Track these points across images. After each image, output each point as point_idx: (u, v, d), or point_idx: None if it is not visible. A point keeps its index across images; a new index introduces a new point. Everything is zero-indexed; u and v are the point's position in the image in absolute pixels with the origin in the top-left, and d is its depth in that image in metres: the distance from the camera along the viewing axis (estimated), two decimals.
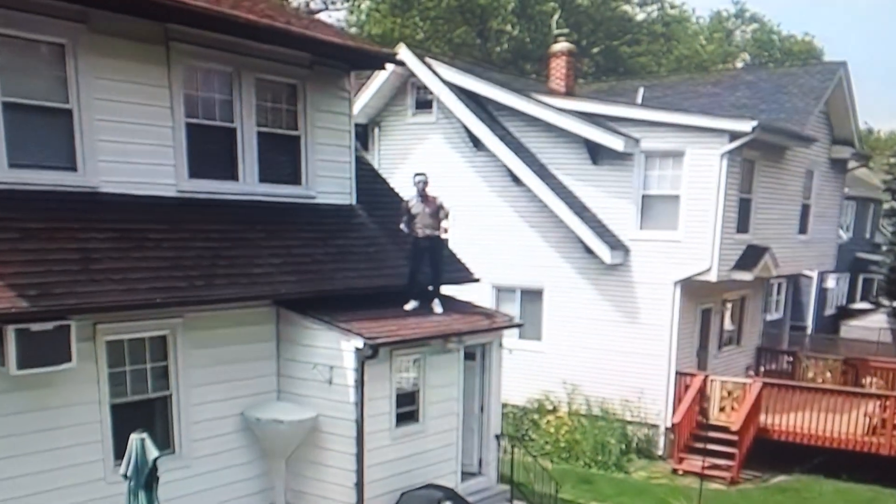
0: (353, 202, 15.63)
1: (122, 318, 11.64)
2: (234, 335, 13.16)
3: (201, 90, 13.32)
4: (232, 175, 13.76)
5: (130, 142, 12.37)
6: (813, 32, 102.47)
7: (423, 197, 14.70)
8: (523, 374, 22.86)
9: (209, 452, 13.00)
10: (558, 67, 25.45)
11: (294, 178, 14.69)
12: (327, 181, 15.08)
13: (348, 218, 15.38)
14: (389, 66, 22.77)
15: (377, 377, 13.47)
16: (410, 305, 14.75)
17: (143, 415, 12.27)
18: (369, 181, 16.69)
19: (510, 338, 16.47)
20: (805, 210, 25.92)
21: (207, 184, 13.39)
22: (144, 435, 10.21)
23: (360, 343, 12.99)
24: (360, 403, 13.26)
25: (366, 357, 13.06)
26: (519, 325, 16.07)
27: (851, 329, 34.02)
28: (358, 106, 23.97)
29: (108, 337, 11.71)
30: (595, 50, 51.43)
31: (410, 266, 14.88)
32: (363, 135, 24.96)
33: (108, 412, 11.80)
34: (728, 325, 24.90)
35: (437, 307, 14.97)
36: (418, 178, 14.73)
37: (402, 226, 14.84)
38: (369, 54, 15.45)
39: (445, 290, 15.70)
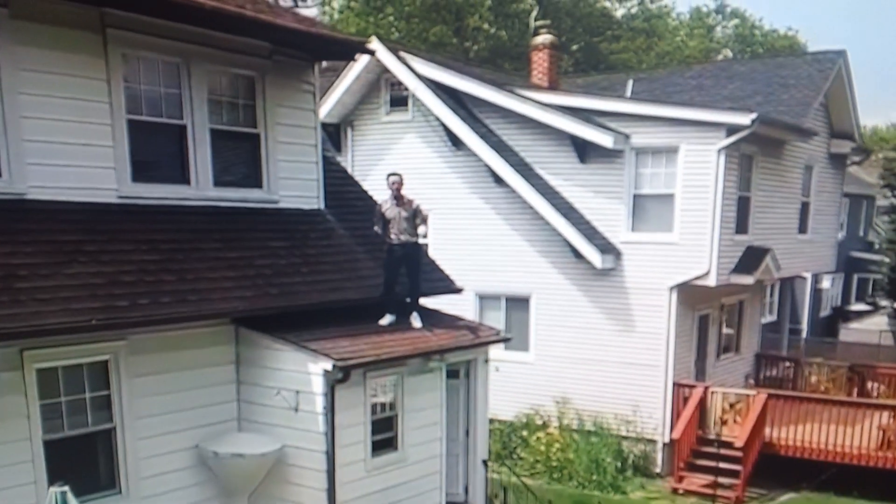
0: (322, 206, 14.16)
1: (54, 343, 10.09)
2: (186, 358, 11.64)
3: (145, 83, 11.82)
4: (182, 178, 12.27)
5: (63, 142, 10.88)
6: (796, 27, 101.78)
7: (398, 199, 13.24)
8: (510, 387, 21.47)
9: (160, 491, 11.47)
10: (541, 61, 24.08)
11: (254, 181, 13.21)
12: (291, 184, 13.60)
13: (316, 224, 13.90)
14: (361, 61, 21.89)
15: (349, 403, 11.98)
16: (386, 320, 13.29)
17: (82, 451, 10.83)
18: (339, 183, 15.22)
19: (496, 349, 15.03)
20: (804, 208, 24.65)
21: (154, 188, 11.91)
22: (66, 488, 8.66)
23: (328, 365, 11.50)
24: (330, 433, 11.77)
25: (336, 380, 11.58)
26: (506, 340, 14.63)
27: (851, 332, 32.73)
28: (328, 105, 22.81)
29: (39, 364, 10.19)
30: (575, 47, 50.21)
31: (386, 276, 13.42)
32: (335, 135, 23.66)
33: (42, 450, 10.27)
34: (726, 331, 23.52)
35: (415, 321, 13.51)
36: (392, 178, 13.27)
37: (376, 228, 13.38)
38: (335, 42, 13.95)
39: (425, 301, 14.28)
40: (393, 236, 13.24)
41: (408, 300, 13.59)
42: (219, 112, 12.64)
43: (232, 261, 12.06)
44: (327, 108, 22.85)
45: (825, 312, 37.78)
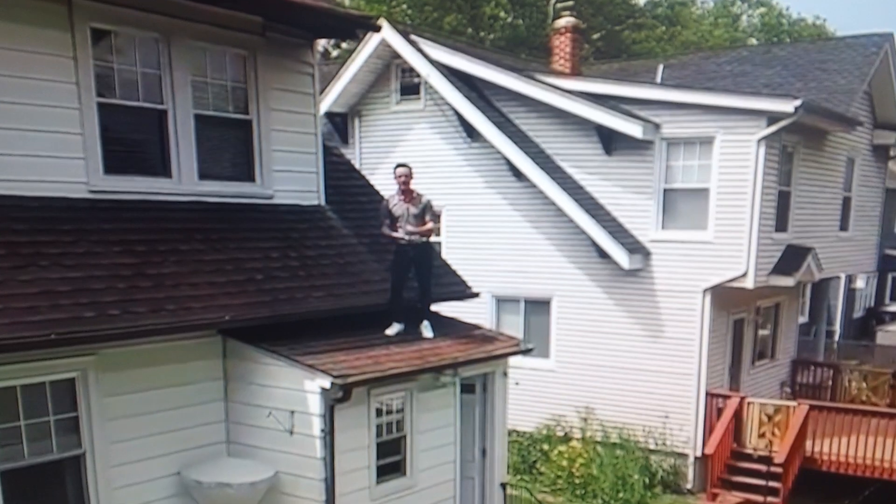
0: (322, 202, 12.74)
1: (10, 360, 8.69)
2: (167, 374, 10.23)
3: (119, 61, 10.41)
4: (162, 170, 10.87)
5: (23, 128, 9.51)
6: (824, 15, 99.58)
7: (407, 194, 11.80)
8: (529, 396, 20.05)
9: None
10: (562, 45, 22.54)
11: (245, 174, 11.80)
12: (288, 177, 12.19)
13: (315, 222, 12.48)
14: (369, 46, 20.51)
15: (351, 424, 10.58)
16: (394, 329, 11.86)
17: (46, 481, 9.47)
18: (342, 177, 13.80)
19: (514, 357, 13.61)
20: (846, 203, 23.03)
21: (129, 181, 10.51)
22: None
23: (326, 382, 10.08)
24: (329, 458, 10.36)
25: (335, 400, 10.17)
26: (527, 350, 13.14)
27: (889, 335, 31.01)
28: (334, 93, 21.55)
29: None
30: (596, 36, 48.56)
31: (393, 280, 11.98)
32: (341, 126, 22.30)
33: None
34: (762, 336, 21.99)
35: (426, 331, 12.09)
36: (400, 170, 11.83)
37: (384, 229, 11.96)
38: (336, 17, 12.44)
39: (437, 307, 12.89)
40: (402, 236, 11.82)
41: (419, 306, 12.19)
42: (204, 96, 11.23)
43: (218, 264, 10.64)
44: (333, 97, 21.51)
45: (858, 313, 36.11)
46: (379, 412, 11.06)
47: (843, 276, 29.43)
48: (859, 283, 33.38)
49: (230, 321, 10.16)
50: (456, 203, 20.98)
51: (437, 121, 21.23)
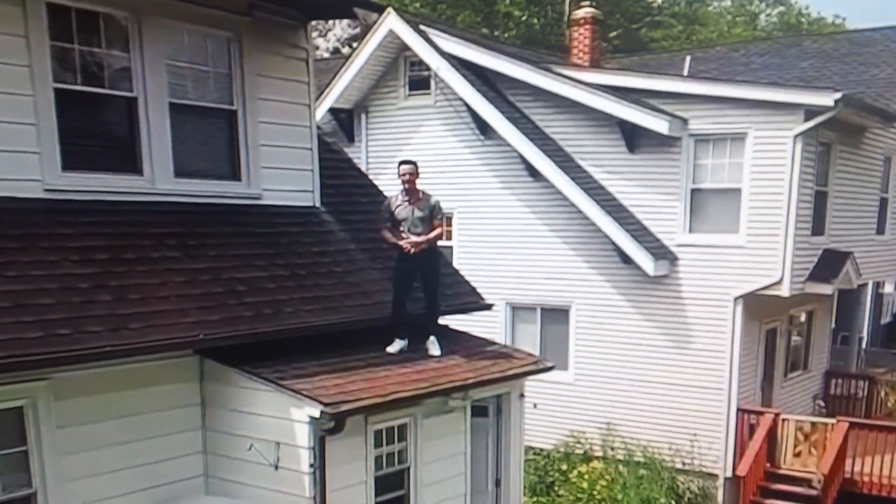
0: (317, 203, 11.41)
1: None
2: (134, 401, 8.92)
3: (81, 43, 9.06)
4: (132, 166, 9.53)
5: None
6: (843, 14, 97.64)
7: (412, 194, 10.47)
8: (547, 411, 18.75)
9: None
10: (581, 38, 21.17)
11: (228, 171, 10.47)
12: (278, 175, 10.86)
13: (309, 225, 11.15)
14: (376, 37, 19.30)
15: (345, 457, 9.26)
16: (396, 347, 10.53)
17: None
18: (341, 175, 12.46)
19: None
20: (882, 205, 21.56)
21: (93, 179, 9.17)
22: None
23: (315, 410, 8.73)
24: (320, 496, 9.03)
25: (326, 430, 8.83)
26: (548, 369, 11.74)
27: None
28: (339, 88, 20.33)
29: None
30: (613, 34, 47.20)
31: (396, 291, 10.65)
32: (347, 122, 21.03)
33: None
34: (794, 346, 20.59)
35: (433, 348, 10.76)
36: (404, 167, 10.48)
37: (384, 232, 10.63)
38: None
39: (446, 320, 11.56)
40: (406, 241, 10.49)
41: (424, 320, 10.87)
42: (182, 83, 9.90)
43: (193, 274, 9.30)
44: (337, 92, 20.28)
45: (886, 319, 34.64)
46: (378, 442, 9.73)
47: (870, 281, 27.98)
48: (887, 288, 31.94)
49: (204, 340, 8.82)
50: (468, 205, 19.76)
51: (448, 117, 19.95)
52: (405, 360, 10.32)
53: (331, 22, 47.41)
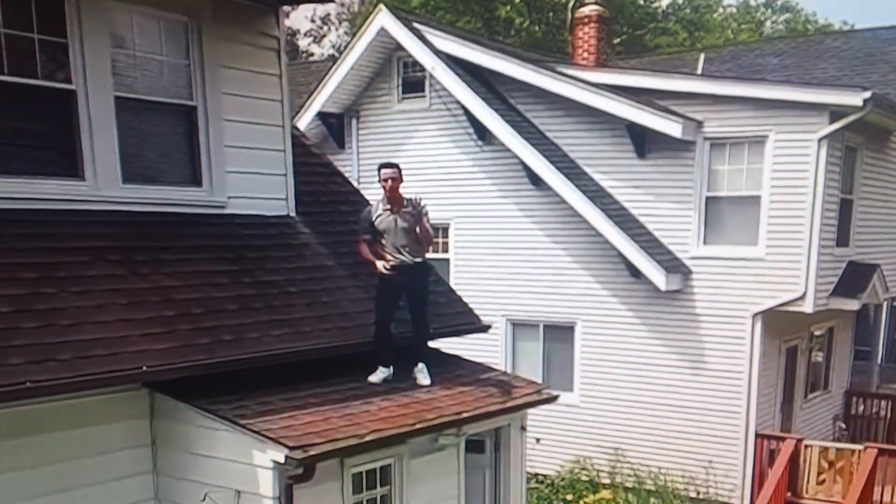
0: (292, 212, 10.12)
1: None
2: (71, 443, 7.62)
3: (7, 24, 7.75)
4: (71, 170, 8.24)
5: None
6: (851, 20, 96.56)
7: (395, 202, 9.17)
8: (551, 435, 17.43)
9: None
10: (587, 37, 19.84)
11: (188, 176, 9.19)
12: (246, 180, 9.57)
13: (282, 237, 9.85)
14: (366, 36, 18.17)
15: None
16: (379, 376, 9.26)
17: None
18: (320, 181, 11.17)
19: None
20: None
21: (22, 185, 7.87)
22: None
23: (279, 455, 7.42)
24: None
25: (293, 478, 7.52)
26: (553, 399, 10.40)
27: None
28: (327, 91, 19.10)
29: None
30: (617, 40, 46.06)
31: (379, 312, 9.35)
32: (337, 128, 19.72)
33: None
34: (815, 365, 19.27)
35: (421, 376, 9.47)
36: (385, 171, 9.19)
37: (362, 246, 9.36)
38: None
39: (438, 343, 10.30)
40: (390, 255, 9.20)
41: (412, 345, 9.58)
42: (130, 73, 8.61)
43: (140, 294, 7.99)
44: (326, 95, 19.04)
45: None
46: (357, 487, 8.44)
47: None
48: None
49: (148, 373, 7.51)
50: (466, 215, 18.52)
51: (444, 121, 18.67)
52: (389, 392, 9.03)
53: (325, 27, 46.38)
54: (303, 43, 47.48)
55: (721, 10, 60.02)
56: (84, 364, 7.13)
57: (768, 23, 61.80)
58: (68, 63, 8.08)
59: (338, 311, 9.41)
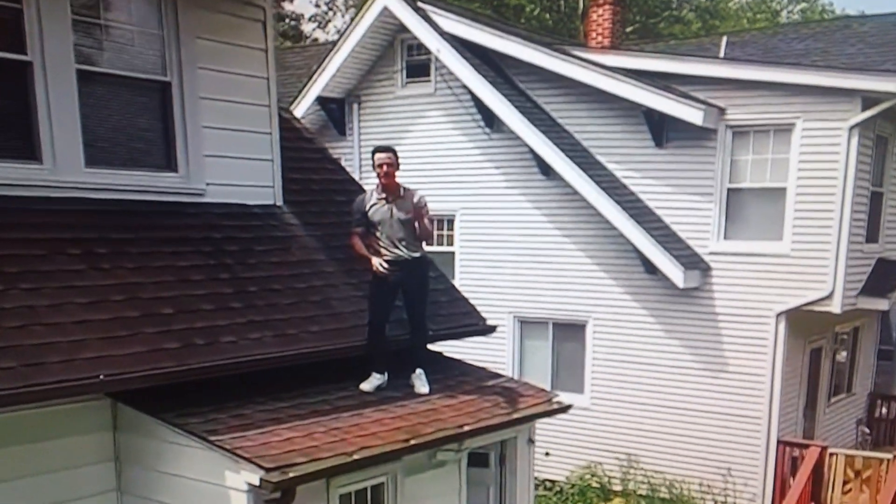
0: (279, 202, 9.21)
1: None
2: (22, 458, 6.72)
3: None
4: (26, 152, 7.33)
5: None
6: (869, 11, 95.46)
7: (390, 190, 8.25)
8: (560, 439, 16.48)
9: None
10: (601, 19, 18.94)
11: (161, 160, 8.28)
12: (228, 165, 8.68)
13: (267, 229, 8.93)
14: (368, 17, 17.26)
15: None
16: (372, 383, 8.35)
17: None
18: (312, 167, 10.26)
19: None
20: None
21: None
22: None
23: (255, 477, 6.51)
24: None
25: (271, 502, 6.61)
26: (565, 409, 9.43)
27: None
28: (327, 75, 18.18)
29: None
30: (629, 28, 45.19)
31: (372, 313, 8.44)
32: (337, 114, 18.83)
33: None
34: (839, 367, 18.34)
35: (419, 384, 8.57)
36: (380, 156, 8.25)
37: (354, 239, 8.46)
38: None
39: (439, 346, 9.40)
40: (384, 250, 8.28)
41: (409, 349, 8.68)
42: (95, 45, 7.71)
43: (101, 292, 7.07)
44: (326, 79, 18.14)
45: None
46: None
47: None
48: None
49: (106, 383, 6.60)
50: (472, 206, 17.64)
51: (450, 107, 17.76)
52: (383, 401, 8.12)
53: (331, 13, 45.50)
54: (307, 28, 46.54)
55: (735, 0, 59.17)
56: (32, 373, 6.24)
57: (784, 12, 60.78)
58: (23, 31, 7.15)
59: (327, 311, 8.48)
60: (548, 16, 46.50)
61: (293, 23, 45.36)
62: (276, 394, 7.67)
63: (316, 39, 44.50)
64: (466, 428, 8.07)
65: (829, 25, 22.14)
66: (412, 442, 7.55)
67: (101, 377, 6.51)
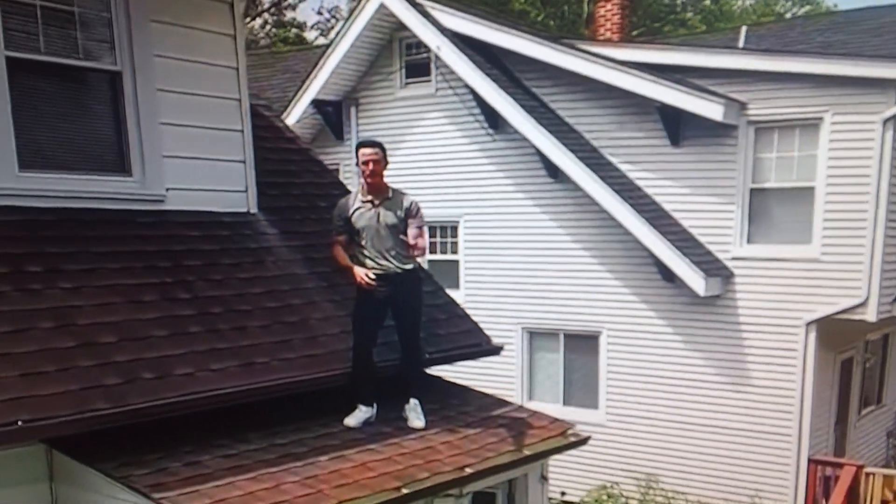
0: (253, 208, 8.11)
1: None
2: None
3: None
4: None
5: None
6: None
7: (376, 191, 7.13)
8: (573, 457, 15.18)
9: None
10: (609, 15, 17.98)
11: (112, 162, 7.19)
12: (192, 167, 7.59)
13: (237, 240, 7.82)
14: (364, 15, 16.34)
15: None
16: (357, 418, 7.23)
17: None
18: (294, 170, 9.16)
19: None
20: None
21: None
22: None
23: None
24: None
25: None
26: (583, 441, 8.30)
27: None
28: (323, 76, 17.25)
29: None
30: (635, 32, 44.49)
31: (357, 334, 7.30)
32: (334, 117, 17.85)
33: None
34: (868, 377, 17.26)
35: (414, 416, 7.43)
36: (365, 151, 7.12)
37: (336, 249, 7.34)
38: None
39: (438, 371, 8.30)
40: (370, 260, 7.15)
41: (400, 375, 7.56)
42: (30, 29, 6.61)
43: (27, 319, 5.96)
44: (322, 81, 17.20)
45: None
46: None
47: None
48: None
49: (27, 430, 5.48)
50: (477, 212, 16.67)
51: (452, 108, 16.79)
52: (371, 439, 6.99)
53: (334, 20, 44.71)
54: (310, 35, 45.74)
55: (740, 1, 58.27)
56: None
57: (788, 15, 59.89)
58: None
59: (305, 334, 7.36)
60: (552, 23, 45.93)
61: (296, 30, 44.53)
62: (242, 434, 6.55)
63: (318, 47, 44.08)
64: (469, 470, 6.92)
65: (847, 16, 21.02)
66: (404, 491, 6.41)
67: (20, 423, 5.39)
